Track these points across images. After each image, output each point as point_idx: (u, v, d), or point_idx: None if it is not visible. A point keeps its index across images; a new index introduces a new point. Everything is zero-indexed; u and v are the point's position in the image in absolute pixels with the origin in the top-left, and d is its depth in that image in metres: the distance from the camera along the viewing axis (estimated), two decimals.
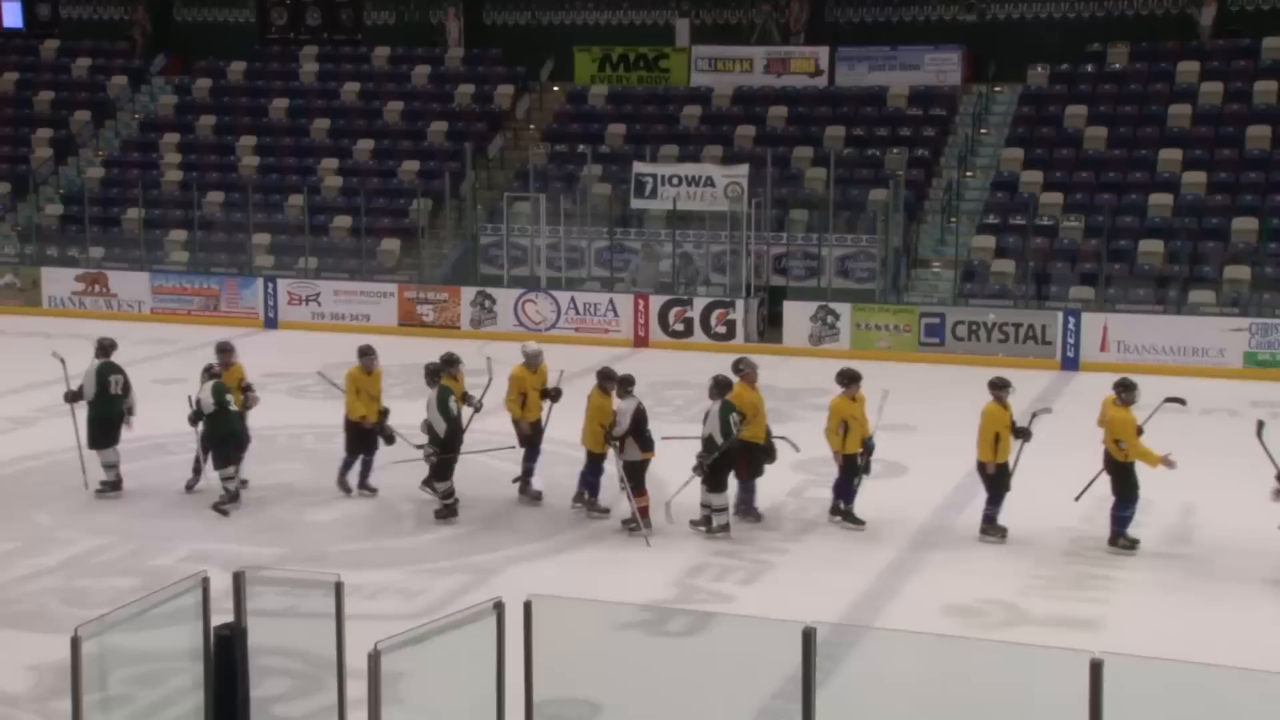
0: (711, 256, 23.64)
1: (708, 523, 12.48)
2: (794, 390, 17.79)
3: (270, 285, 24.15)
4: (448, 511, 12.99)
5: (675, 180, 23.38)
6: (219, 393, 13.04)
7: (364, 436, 13.45)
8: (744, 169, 23.24)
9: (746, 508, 12.78)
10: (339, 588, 6.99)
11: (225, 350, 13.79)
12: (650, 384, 18.64)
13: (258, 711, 7.47)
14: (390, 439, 13.50)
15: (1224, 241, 21.84)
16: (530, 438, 13.47)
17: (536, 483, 13.50)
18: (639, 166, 23.90)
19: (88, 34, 32.03)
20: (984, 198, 23.99)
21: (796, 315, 21.75)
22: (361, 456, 13.51)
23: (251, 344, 22.49)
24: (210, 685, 7.21)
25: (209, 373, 13.44)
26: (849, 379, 12.60)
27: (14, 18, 33.01)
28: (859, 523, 12.58)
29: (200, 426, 13.22)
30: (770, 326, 22.24)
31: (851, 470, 12.57)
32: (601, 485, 12.95)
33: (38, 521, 12.89)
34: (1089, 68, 25.46)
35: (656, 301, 22.34)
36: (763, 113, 26.23)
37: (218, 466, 13.08)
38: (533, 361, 13.45)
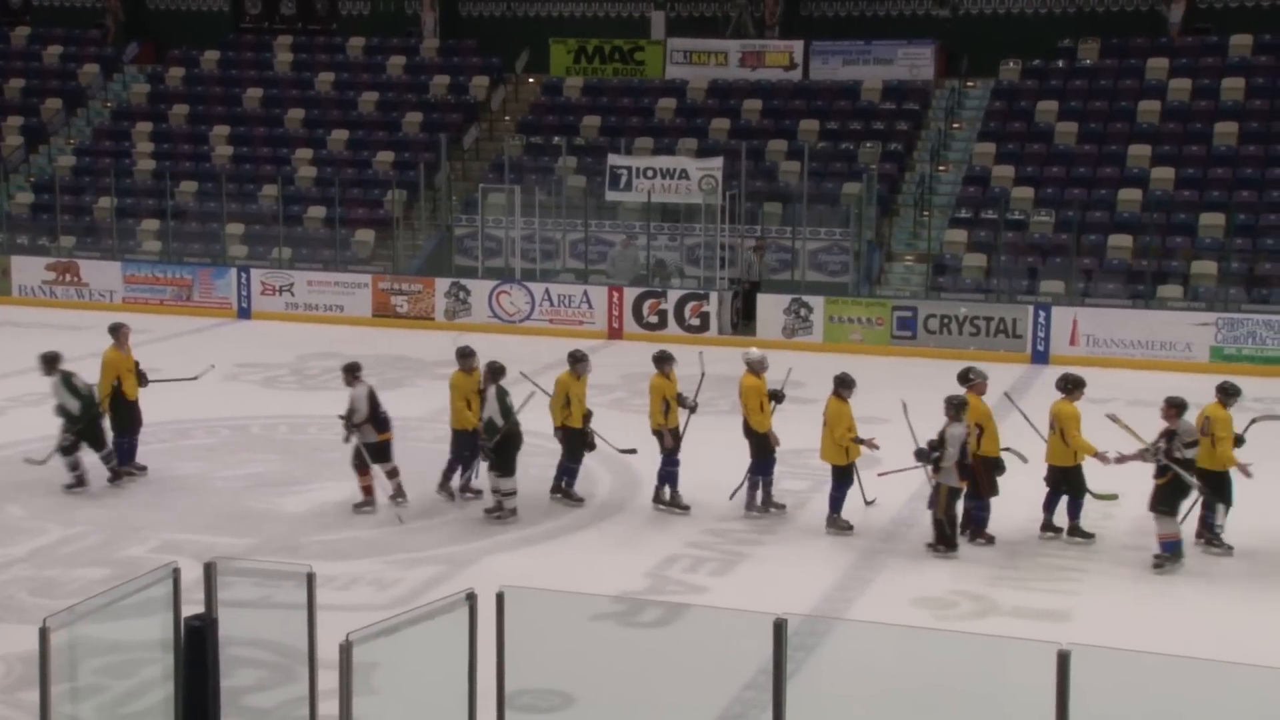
0: (685, 249, 23.70)
1: (500, 508, 12.56)
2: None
3: (244, 275, 24.06)
4: (76, 483, 13.03)
5: (650, 173, 23.42)
6: None
7: (579, 442, 12.93)
8: (718, 162, 23.30)
9: (979, 528, 12.00)
10: (311, 578, 7.00)
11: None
12: (624, 376, 18.68)
13: (228, 702, 7.48)
14: (591, 445, 12.99)
15: (1191, 237, 22.04)
16: (764, 445, 12.80)
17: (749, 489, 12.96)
18: (614, 159, 23.92)
19: (59, 21, 31.79)
20: (956, 192, 24.13)
21: (770, 308, 21.82)
22: (575, 462, 13.01)
23: (225, 334, 22.48)
24: (180, 676, 7.21)
25: None
26: (1075, 384, 11.93)
27: None
28: (1090, 536, 12.01)
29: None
30: (744, 319, 22.30)
31: (1082, 481, 11.94)
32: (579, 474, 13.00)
33: (7, 512, 12.82)
34: (1060, 63, 25.62)
35: (630, 293, 22.37)
36: (737, 106, 26.29)
37: None
38: (758, 367, 12.82)
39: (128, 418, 13.62)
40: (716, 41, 27.54)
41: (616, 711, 7.74)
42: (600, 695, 7.85)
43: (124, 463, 13.62)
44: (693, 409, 12.88)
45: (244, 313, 23.93)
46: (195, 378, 14.70)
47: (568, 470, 13.09)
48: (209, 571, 7.14)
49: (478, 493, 13.12)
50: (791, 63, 26.84)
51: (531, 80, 28.52)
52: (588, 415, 12.99)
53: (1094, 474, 12.06)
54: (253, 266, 24.36)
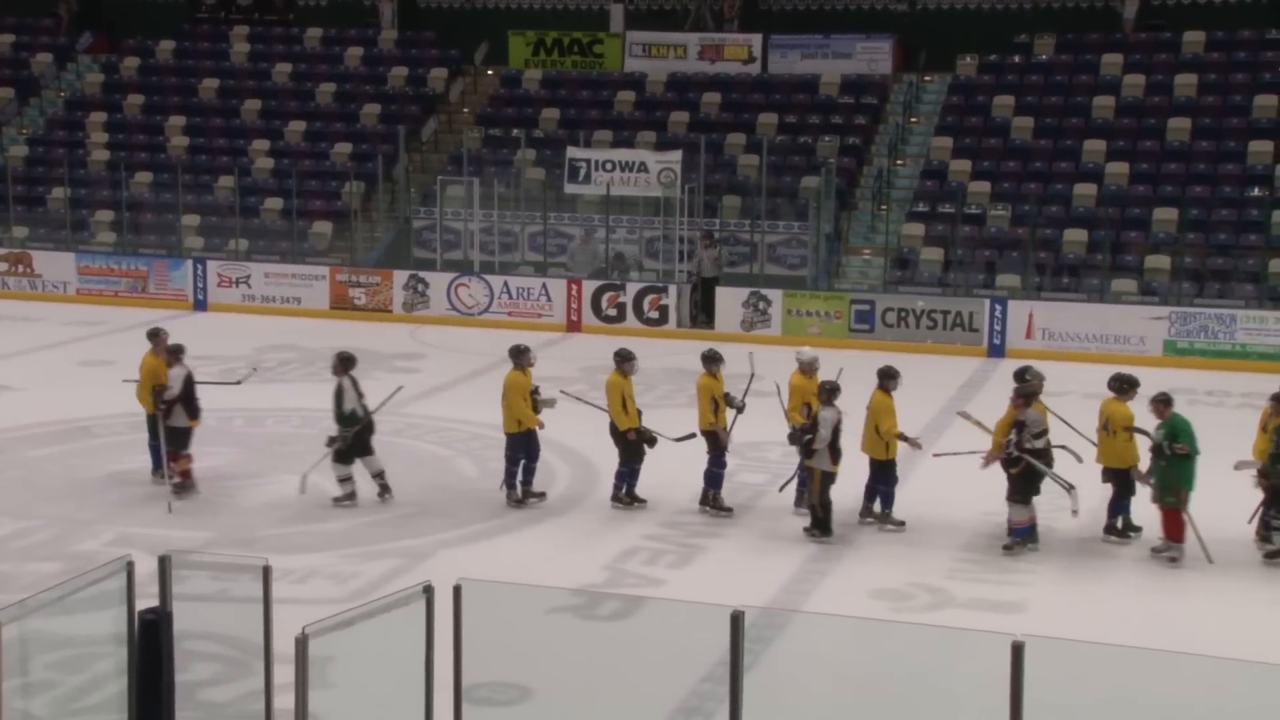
0: (644, 242, 23.71)
1: (351, 496, 12.59)
2: (726, 376, 17.91)
3: (200, 267, 23.86)
4: None
5: (609, 165, 23.39)
6: None
7: (637, 444, 12.70)
8: (677, 155, 23.32)
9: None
10: (267, 571, 6.96)
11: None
12: (583, 368, 18.68)
13: (183, 696, 7.43)
14: (653, 441, 12.71)
15: (1145, 231, 22.27)
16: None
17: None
18: (573, 151, 23.89)
19: (12, 9, 31.31)
20: (914, 186, 24.26)
21: (729, 301, 21.87)
22: (632, 465, 12.79)
23: (180, 326, 22.24)
24: (134, 670, 7.15)
25: None
26: (1128, 384, 11.80)
27: None
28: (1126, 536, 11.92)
29: None
30: (702, 313, 22.32)
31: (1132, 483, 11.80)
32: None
33: None
34: (1016, 59, 25.82)
35: (589, 286, 22.35)
36: (696, 99, 26.32)
37: None
38: (809, 368, 12.63)
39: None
40: (675, 35, 27.56)
41: (574, 704, 7.75)
42: (558, 688, 7.86)
43: (159, 466, 13.38)
44: (740, 409, 12.65)
45: (200, 304, 23.74)
46: (238, 383, 14.53)
47: (631, 473, 12.79)
48: (163, 565, 7.08)
49: (541, 495, 12.93)
50: (750, 56, 26.89)
51: (490, 72, 28.42)
52: (639, 413, 12.81)
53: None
54: (209, 258, 24.17)
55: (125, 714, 7.20)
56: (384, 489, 12.84)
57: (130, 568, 7.07)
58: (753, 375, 12.82)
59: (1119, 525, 12.01)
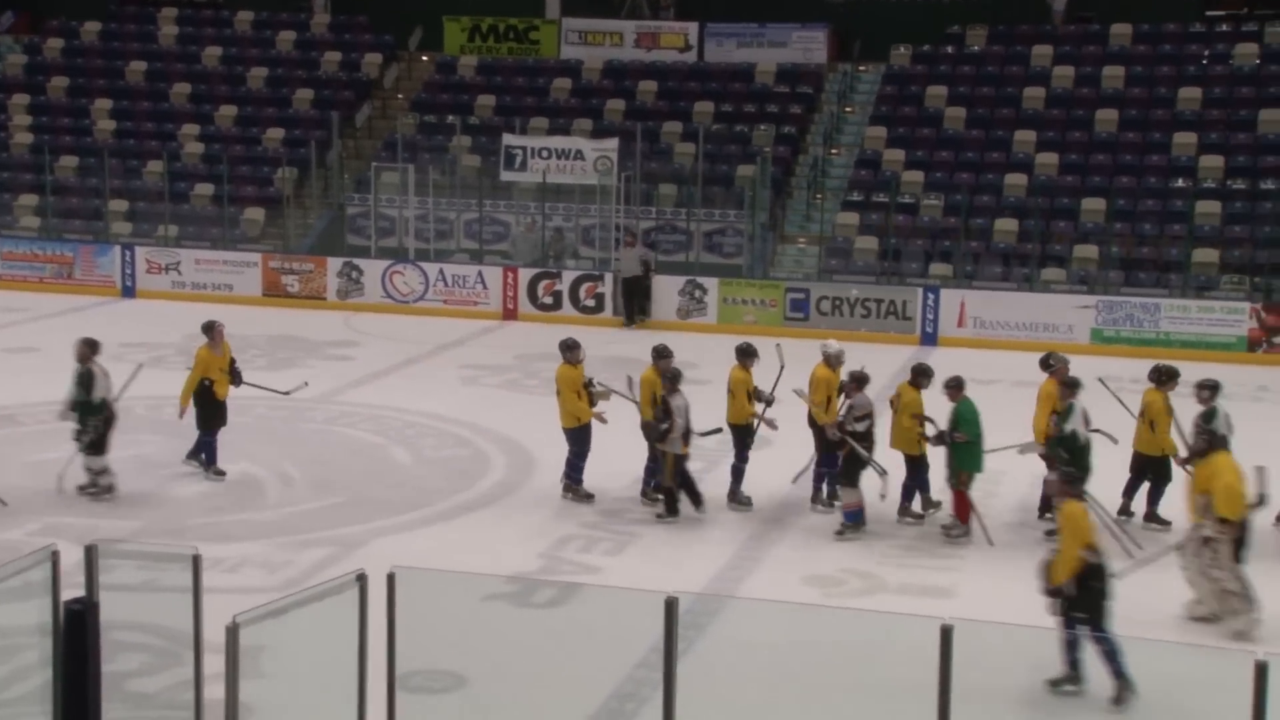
0: (580, 230, 23.68)
1: (94, 486, 12.44)
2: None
3: (128, 253, 23.48)
4: None
5: (545, 153, 23.34)
6: None
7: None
8: (613, 143, 23.32)
9: (1049, 504, 11.73)
10: (196, 560, 6.88)
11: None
12: (519, 356, 18.64)
13: (111, 687, 7.34)
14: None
15: (1074, 221, 22.61)
16: (830, 442, 12.40)
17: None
18: (509, 138, 23.82)
19: None
20: (848, 175, 24.44)
21: (665, 289, 21.91)
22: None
23: (108, 313, 21.92)
24: (59, 661, 7.05)
25: None
26: (1168, 375, 11.89)
27: None
28: (1166, 523, 11.83)
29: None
30: (637, 308, 22.30)
31: (1167, 471, 11.82)
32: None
33: None
34: (949, 49, 26.08)
35: (525, 274, 22.28)
36: (632, 87, 26.32)
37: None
38: (835, 361, 12.49)
39: (215, 416, 13.17)
40: (612, 22, 27.54)
41: (509, 691, 7.76)
42: (493, 675, 7.87)
43: (210, 463, 13.16)
44: (769, 403, 12.57)
45: (129, 291, 23.36)
46: (287, 393, 14.22)
47: (658, 470, 12.64)
48: (90, 554, 6.98)
49: (590, 496, 12.67)
50: (686, 44, 26.94)
51: (425, 58, 28.22)
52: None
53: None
54: (138, 244, 23.78)
55: (51, 705, 7.10)
56: (92, 485, 12.44)
57: (55, 557, 6.96)
58: (782, 368, 12.69)
59: (1158, 514, 12.10)
